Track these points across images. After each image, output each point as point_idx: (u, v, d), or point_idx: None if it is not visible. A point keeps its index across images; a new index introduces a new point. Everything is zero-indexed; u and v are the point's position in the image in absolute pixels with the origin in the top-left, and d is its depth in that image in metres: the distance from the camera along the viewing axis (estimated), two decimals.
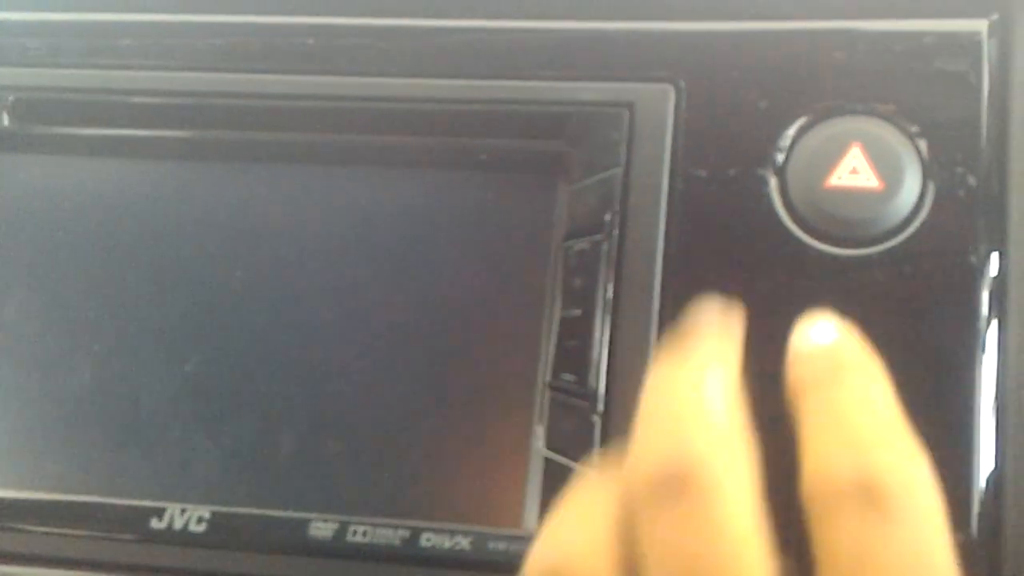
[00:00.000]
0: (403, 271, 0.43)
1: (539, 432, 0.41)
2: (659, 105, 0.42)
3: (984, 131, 0.40)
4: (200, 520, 0.42)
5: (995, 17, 0.41)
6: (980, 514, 0.38)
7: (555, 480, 0.40)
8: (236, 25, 0.46)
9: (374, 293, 0.43)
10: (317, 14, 0.45)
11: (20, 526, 0.43)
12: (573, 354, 0.40)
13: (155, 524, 0.42)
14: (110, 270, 0.45)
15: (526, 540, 0.39)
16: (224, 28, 0.46)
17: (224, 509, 0.42)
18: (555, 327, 0.41)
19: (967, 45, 0.41)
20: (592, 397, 0.40)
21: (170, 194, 0.46)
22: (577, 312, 0.41)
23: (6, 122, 0.46)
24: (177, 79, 0.45)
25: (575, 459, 0.39)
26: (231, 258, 0.44)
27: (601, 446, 0.39)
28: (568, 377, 0.40)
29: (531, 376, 0.41)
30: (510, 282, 0.42)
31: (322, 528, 0.41)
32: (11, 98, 0.46)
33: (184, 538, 0.41)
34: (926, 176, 0.40)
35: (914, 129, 0.40)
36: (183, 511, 0.42)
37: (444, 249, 0.43)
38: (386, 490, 0.41)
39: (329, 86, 0.44)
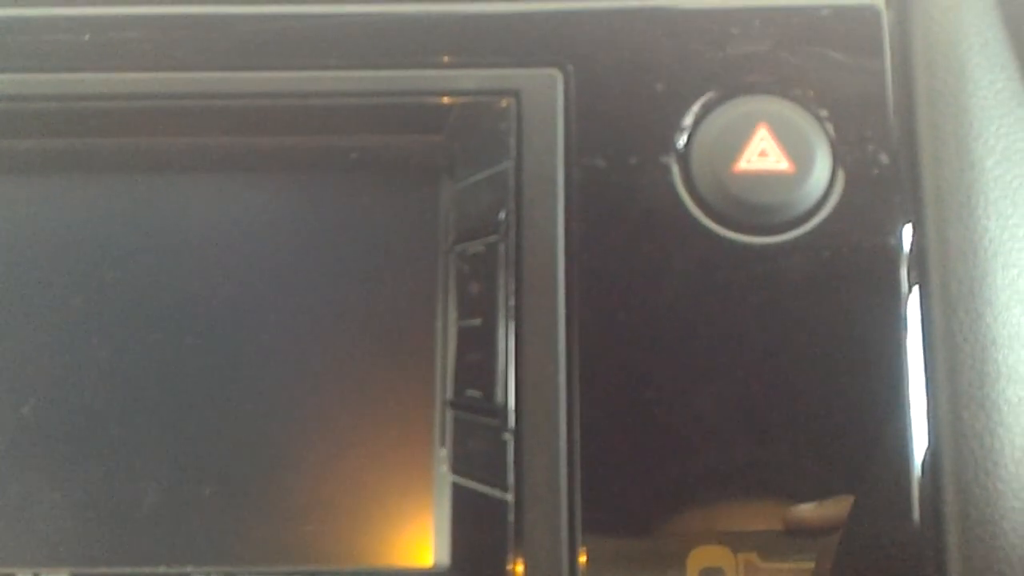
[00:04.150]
0: (276, 285, 0.35)
1: (442, 455, 0.34)
2: (547, 91, 0.35)
3: (891, 106, 0.35)
4: None
5: None
6: (920, 498, 0.33)
7: (465, 507, 0.33)
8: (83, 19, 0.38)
9: (244, 313, 0.35)
10: (167, 4, 0.37)
11: None
12: (476, 368, 0.33)
13: None
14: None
15: None
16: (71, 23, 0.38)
17: (85, 571, 0.33)
18: (452, 339, 0.34)
19: (866, 18, 0.35)
20: (501, 414, 0.33)
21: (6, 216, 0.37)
22: (476, 321, 0.34)
23: None
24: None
25: (486, 482, 0.33)
26: (71, 278, 0.35)
27: (515, 466, 0.33)
28: (473, 393, 0.33)
29: (428, 395, 0.34)
30: (396, 293, 0.35)
31: None
32: None
33: None
34: (836, 156, 0.34)
35: (820, 107, 0.34)
36: None
37: (320, 260, 0.35)
38: (274, 533, 0.33)
39: (180, 83, 0.35)
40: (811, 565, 0.33)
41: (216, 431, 0.34)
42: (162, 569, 0.33)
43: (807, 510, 0.34)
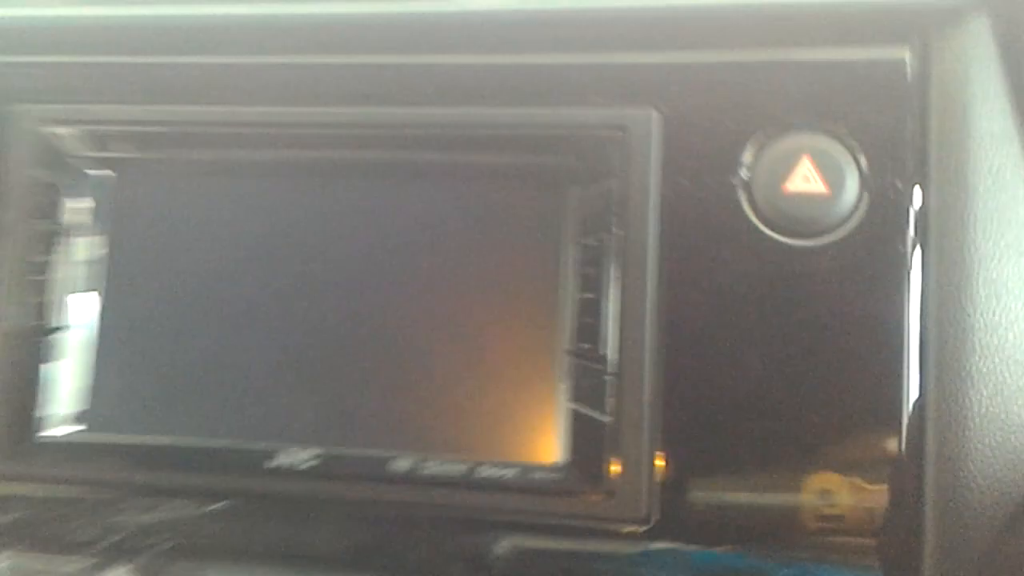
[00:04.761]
0: (451, 265, 0.49)
1: (562, 388, 0.48)
2: (646, 127, 0.47)
3: (909, 143, 0.45)
4: (306, 459, 0.49)
5: (916, 43, 0.46)
6: (908, 436, 0.44)
7: (579, 425, 0.47)
8: (303, 65, 0.51)
9: (430, 282, 0.49)
10: (381, 52, 0.51)
11: (164, 465, 0.51)
12: (589, 328, 0.47)
13: (268, 463, 0.49)
14: (227, 266, 0.51)
15: (557, 470, 0.48)
16: (293, 68, 0.51)
17: (324, 450, 0.49)
18: (572, 306, 0.48)
19: (893, 68, 0.46)
20: (604, 361, 0.46)
21: (263, 207, 0.51)
22: (591, 295, 0.47)
23: (127, 151, 0.52)
24: (253, 112, 0.51)
25: (593, 408, 0.47)
26: (320, 256, 0.50)
27: (617, 400, 0.46)
28: (585, 346, 0.47)
29: (554, 346, 0.48)
30: (533, 271, 0.48)
31: (401, 463, 0.48)
32: (129, 130, 0.52)
33: (293, 474, 0.49)
34: (863, 182, 0.45)
35: (852, 142, 0.45)
36: (291, 452, 0.49)
37: (481, 246, 0.49)
38: (450, 434, 0.48)
39: (390, 115, 0.49)
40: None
41: (415, 365, 0.49)
42: (375, 452, 0.48)
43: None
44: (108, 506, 0.52)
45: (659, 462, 0.46)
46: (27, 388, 0.51)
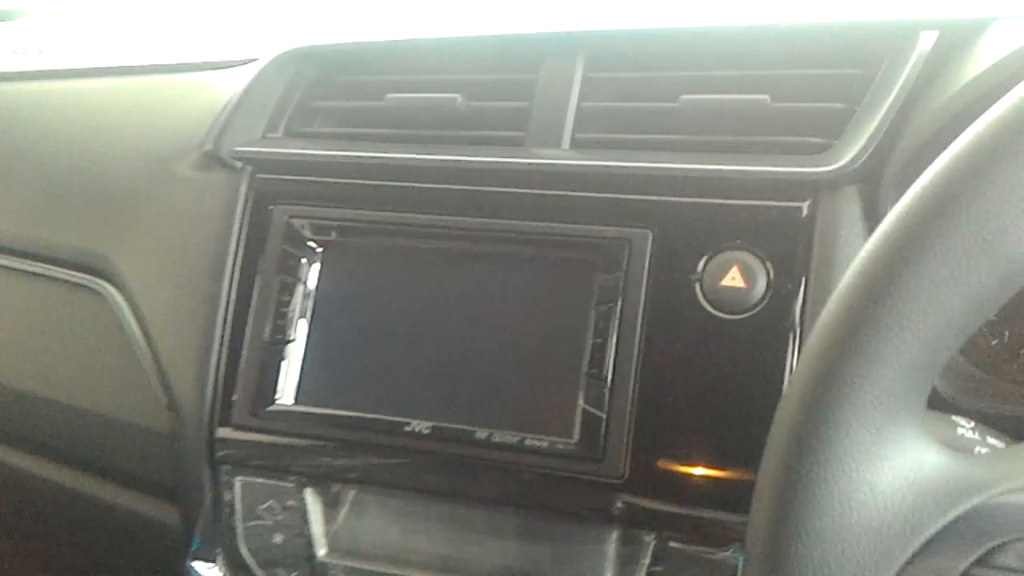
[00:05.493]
0: (518, 316, 0.79)
1: (580, 395, 0.76)
2: (643, 241, 0.76)
3: (799, 259, 0.73)
4: (425, 428, 0.79)
5: (810, 200, 0.74)
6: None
7: (587, 418, 0.76)
8: (437, 189, 0.84)
9: (504, 327, 0.79)
10: (484, 186, 0.82)
11: (341, 427, 0.83)
12: (597, 359, 0.76)
13: (407, 428, 0.80)
14: (384, 307, 0.83)
15: (573, 444, 0.76)
16: (430, 191, 0.84)
17: (437, 423, 0.79)
18: (589, 346, 0.77)
19: (794, 214, 0.73)
20: (604, 379, 0.75)
21: (408, 272, 0.83)
22: (600, 340, 0.76)
23: (334, 236, 0.86)
24: (421, 218, 0.83)
25: (596, 408, 0.75)
26: (440, 304, 0.81)
27: (609, 403, 0.75)
28: (595, 370, 0.76)
29: (577, 369, 0.77)
30: (570, 323, 0.78)
31: (480, 434, 0.78)
32: (336, 223, 0.85)
33: (418, 436, 0.80)
34: (769, 282, 0.73)
35: (765, 257, 0.73)
36: (417, 422, 0.80)
37: (539, 306, 0.79)
38: (510, 418, 0.78)
39: (488, 224, 0.81)
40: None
41: (492, 373, 0.78)
42: (466, 426, 0.78)
43: None
44: (305, 452, 0.84)
45: (631, 443, 0.74)
46: (271, 376, 0.85)
